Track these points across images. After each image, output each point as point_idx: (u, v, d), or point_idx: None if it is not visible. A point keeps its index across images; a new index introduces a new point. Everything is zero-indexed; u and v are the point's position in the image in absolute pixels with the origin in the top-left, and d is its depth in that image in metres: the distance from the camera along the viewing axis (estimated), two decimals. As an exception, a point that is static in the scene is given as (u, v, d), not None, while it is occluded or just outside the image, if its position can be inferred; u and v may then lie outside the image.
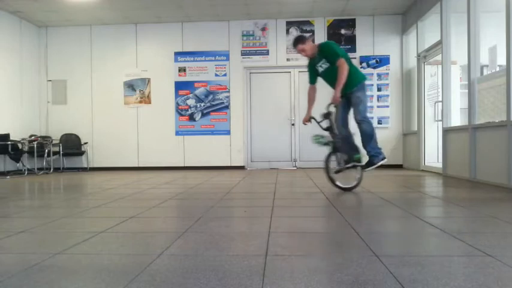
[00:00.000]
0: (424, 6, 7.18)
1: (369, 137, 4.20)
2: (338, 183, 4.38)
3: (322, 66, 4.29)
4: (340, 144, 4.27)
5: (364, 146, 4.25)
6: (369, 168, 4.21)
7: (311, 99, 4.47)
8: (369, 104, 8.40)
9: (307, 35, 8.55)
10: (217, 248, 2.09)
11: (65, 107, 8.95)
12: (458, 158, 5.88)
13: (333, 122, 4.31)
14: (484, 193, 4.22)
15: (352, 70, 4.22)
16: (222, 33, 8.65)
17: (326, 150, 4.35)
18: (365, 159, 4.27)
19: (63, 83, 8.95)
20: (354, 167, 4.30)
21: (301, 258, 1.92)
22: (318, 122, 4.30)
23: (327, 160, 4.35)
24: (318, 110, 4.37)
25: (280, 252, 2.00)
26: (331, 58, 4.16)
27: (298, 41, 4.35)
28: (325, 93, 4.64)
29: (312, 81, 4.45)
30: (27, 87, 8.52)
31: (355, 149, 4.31)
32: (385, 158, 4.26)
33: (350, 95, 4.22)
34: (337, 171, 4.33)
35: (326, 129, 4.30)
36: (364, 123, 4.19)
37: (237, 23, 8.63)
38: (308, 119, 4.39)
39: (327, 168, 4.36)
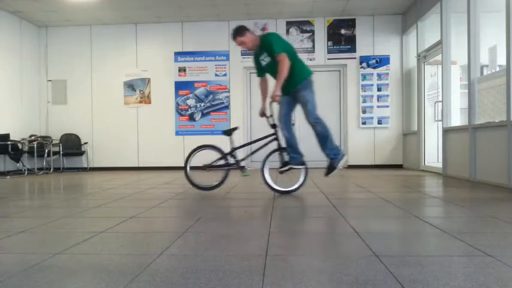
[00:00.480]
0: (424, 6, 7.18)
1: (324, 139, 3.97)
2: (273, 185, 4.16)
3: (264, 60, 4.04)
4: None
5: (322, 149, 4.02)
6: (332, 173, 4.01)
7: (263, 92, 4.29)
8: (369, 103, 8.41)
9: (307, 34, 8.56)
10: (217, 248, 2.09)
11: (65, 107, 8.95)
12: (458, 158, 5.88)
13: (232, 141, 4.34)
14: (484, 193, 4.22)
15: (298, 65, 3.98)
16: (222, 33, 8.64)
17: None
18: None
19: (63, 83, 8.95)
20: (292, 169, 4.11)
21: (301, 258, 1.92)
22: (267, 117, 4.15)
23: (265, 161, 4.17)
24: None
25: (280, 252, 2.00)
26: (271, 52, 3.90)
27: (236, 34, 4.08)
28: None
29: (259, 74, 4.25)
30: (27, 87, 8.52)
31: (295, 151, 4.12)
32: (344, 155, 4.06)
33: (295, 93, 4.00)
34: (281, 173, 4.16)
35: (271, 126, 4.14)
36: (317, 125, 3.94)
37: (237, 23, 8.57)
38: (262, 113, 4.21)
39: (262, 170, 4.17)
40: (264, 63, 4.09)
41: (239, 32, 4.09)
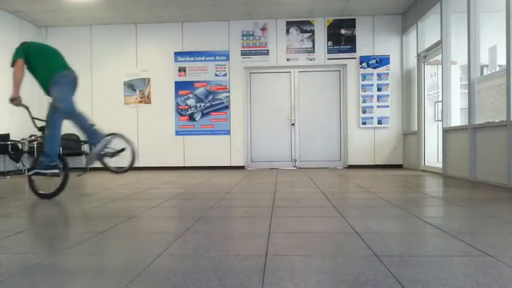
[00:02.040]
0: (424, 6, 7.18)
1: (86, 129, 3.99)
2: (37, 189, 4.00)
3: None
4: None
5: (87, 136, 4.05)
6: (97, 149, 3.94)
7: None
8: (369, 103, 8.40)
9: (307, 34, 8.55)
10: (217, 248, 2.09)
11: (65, 107, 8.93)
12: (458, 158, 5.88)
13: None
14: (484, 193, 4.22)
15: (43, 68, 4.04)
16: (222, 33, 8.65)
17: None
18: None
19: (63, 83, 8.93)
20: (40, 174, 3.92)
21: (301, 258, 1.92)
22: (32, 119, 4.08)
23: (35, 161, 3.93)
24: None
25: (280, 252, 2.00)
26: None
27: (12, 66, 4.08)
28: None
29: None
30: (27, 87, 8.49)
31: (48, 154, 3.96)
32: (106, 138, 3.99)
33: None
34: (38, 174, 3.94)
35: (39, 128, 4.06)
36: (74, 118, 3.96)
37: (237, 23, 8.63)
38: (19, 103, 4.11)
39: (30, 171, 3.93)
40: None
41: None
